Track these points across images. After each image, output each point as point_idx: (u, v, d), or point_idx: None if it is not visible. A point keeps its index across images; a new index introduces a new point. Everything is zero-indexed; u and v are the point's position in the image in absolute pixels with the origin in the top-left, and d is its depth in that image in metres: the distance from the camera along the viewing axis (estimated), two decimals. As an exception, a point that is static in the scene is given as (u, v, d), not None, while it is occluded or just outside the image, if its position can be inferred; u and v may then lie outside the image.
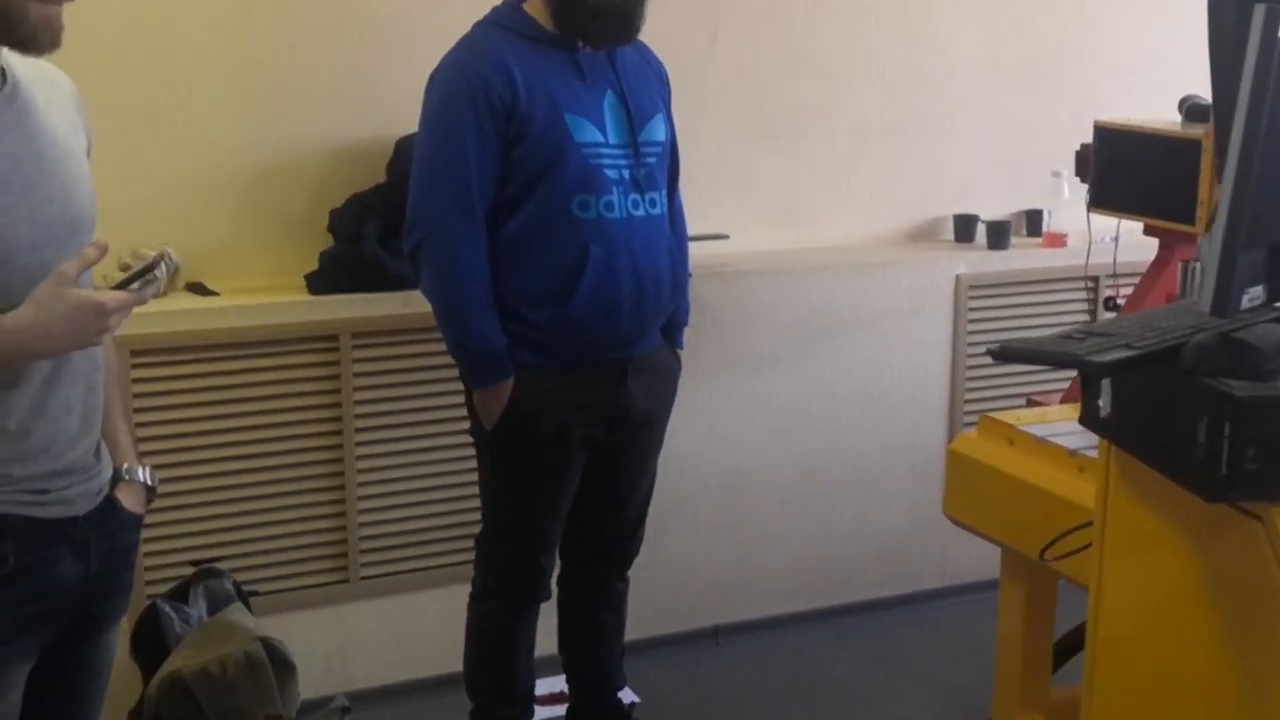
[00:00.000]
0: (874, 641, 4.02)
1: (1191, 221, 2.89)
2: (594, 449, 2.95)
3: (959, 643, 3.99)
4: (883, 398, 4.06)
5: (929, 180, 4.24)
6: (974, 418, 4.15)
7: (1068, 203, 4.19)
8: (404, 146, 3.52)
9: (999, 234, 4.13)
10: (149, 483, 1.97)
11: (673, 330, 3.03)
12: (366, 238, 3.47)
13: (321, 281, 3.44)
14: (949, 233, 4.27)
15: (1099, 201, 3.19)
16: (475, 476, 3.06)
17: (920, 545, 4.20)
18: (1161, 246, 3.14)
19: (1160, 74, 4.37)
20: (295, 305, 3.38)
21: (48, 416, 1.76)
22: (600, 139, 2.84)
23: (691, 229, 3.17)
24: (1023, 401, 4.19)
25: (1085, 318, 4.25)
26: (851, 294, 3.97)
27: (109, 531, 1.88)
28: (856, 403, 4.03)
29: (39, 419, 1.75)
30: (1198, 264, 2.65)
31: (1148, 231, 3.16)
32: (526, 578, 2.95)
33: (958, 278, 4.07)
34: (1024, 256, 4.14)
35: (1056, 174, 4.17)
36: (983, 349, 4.12)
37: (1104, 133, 3.16)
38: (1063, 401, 3.13)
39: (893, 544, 4.17)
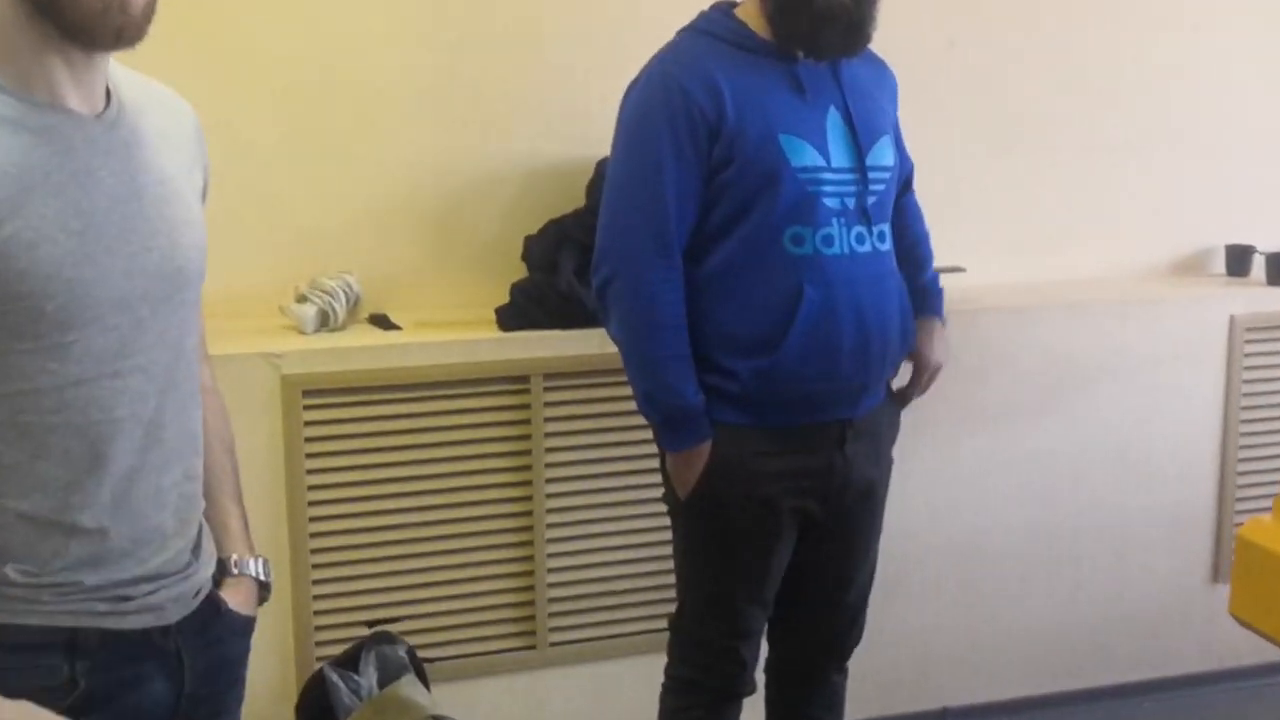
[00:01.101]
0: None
1: None
2: (806, 524, 2.51)
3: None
4: (1141, 456, 3.51)
5: (1197, 205, 3.68)
6: (1250, 480, 3.57)
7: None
8: (605, 168, 3.15)
9: (1280, 268, 3.53)
10: (262, 577, 1.62)
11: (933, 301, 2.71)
12: (563, 269, 3.12)
13: (513, 316, 3.11)
14: (1219, 265, 3.69)
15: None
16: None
17: (1182, 622, 3.64)
18: None
19: None
20: (483, 343, 3.06)
21: (133, 511, 1.42)
22: (821, 163, 2.42)
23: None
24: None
25: None
26: (1106, 336, 3.44)
27: (209, 641, 1.54)
28: (1110, 461, 3.49)
29: (121, 515, 1.40)
30: None
31: None
32: (726, 669, 2.53)
33: (1232, 318, 3.49)
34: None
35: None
36: (1261, 402, 3.52)
37: None
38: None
39: (1149, 620, 3.62)
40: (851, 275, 2.43)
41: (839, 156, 2.45)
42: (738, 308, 2.42)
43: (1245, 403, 3.54)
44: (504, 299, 3.14)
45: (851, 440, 2.51)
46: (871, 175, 2.48)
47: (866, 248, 2.46)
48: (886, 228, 2.52)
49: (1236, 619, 2.49)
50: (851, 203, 2.45)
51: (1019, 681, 3.56)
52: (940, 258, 3.00)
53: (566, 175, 3.23)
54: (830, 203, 2.43)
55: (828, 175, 2.44)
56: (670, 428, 2.45)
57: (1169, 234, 3.68)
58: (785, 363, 2.40)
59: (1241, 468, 3.57)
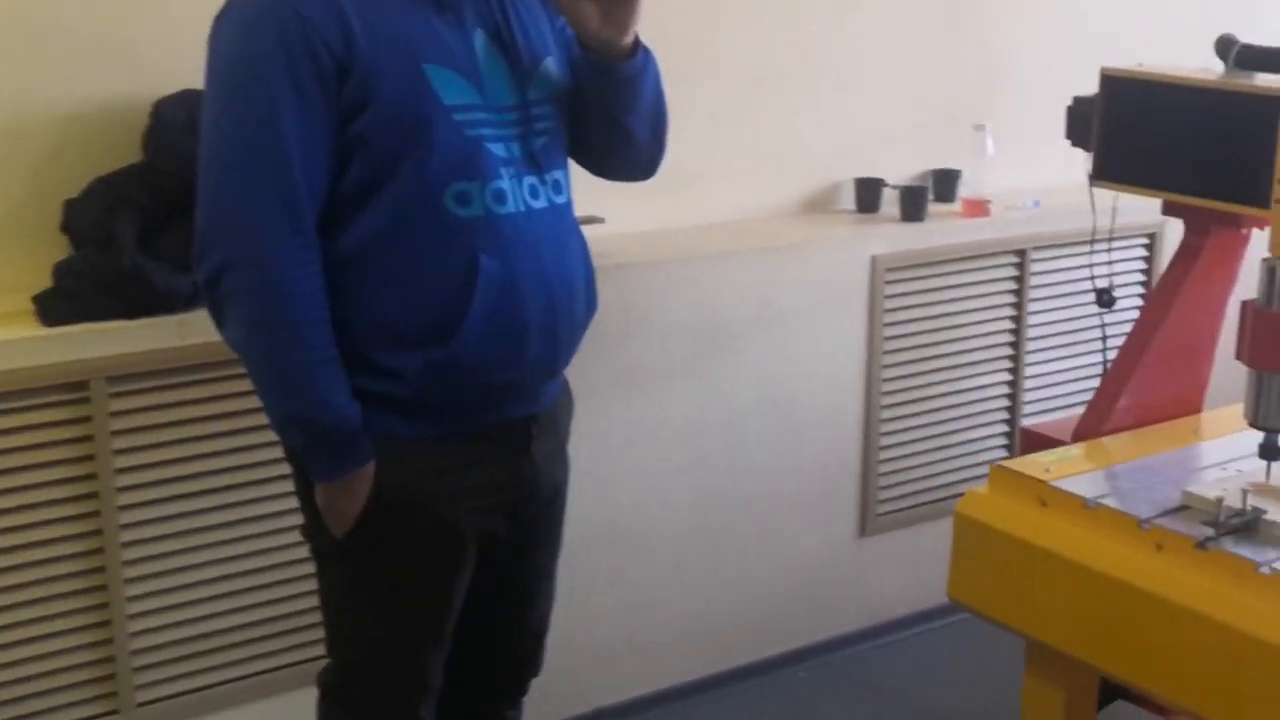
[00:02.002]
0: (788, 704, 3.33)
1: (1252, 200, 2.18)
2: (487, 544, 2.08)
3: (888, 696, 3.37)
4: (790, 411, 3.31)
5: (824, 139, 3.48)
6: (892, 427, 3.45)
7: (991, 162, 3.47)
8: (166, 112, 2.58)
9: (914, 202, 3.40)
10: None
11: None
12: (121, 240, 2.51)
13: (58, 305, 2.48)
14: (849, 200, 3.51)
15: (1107, 172, 2.46)
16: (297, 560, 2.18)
17: (834, 582, 3.49)
18: (1190, 231, 2.43)
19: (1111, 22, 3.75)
20: (20, 343, 2.42)
21: None
22: (477, 99, 1.96)
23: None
24: (953, 406, 3.50)
25: (1014, 299, 3.56)
26: (756, 284, 3.19)
27: None
28: (761, 419, 3.26)
29: None
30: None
31: (1169, 211, 2.45)
32: (400, 732, 2.07)
33: (873, 259, 3.32)
34: (944, 229, 3.43)
35: (980, 127, 3.45)
36: (901, 345, 3.40)
37: (1116, 84, 2.44)
38: (1079, 437, 2.40)
39: (803, 585, 3.44)
40: (531, 237, 2.00)
41: (497, 90, 2.00)
42: (396, 290, 1.93)
43: (888, 346, 3.40)
44: (43, 283, 2.48)
45: (538, 439, 2.10)
46: (536, 111, 2.05)
47: (542, 202, 2.03)
48: (562, 175, 2.10)
49: (956, 602, 2.29)
50: (517, 148, 2.02)
51: (675, 669, 3.29)
52: (576, 207, 2.61)
53: (115, 121, 2.59)
54: (496, 149, 1.98)
55: (487, 115, 1.98)
56: (320, 452, 1.93)
57: (798, 170, 3.47)
58: (464, 352, 1.93)
59: (885, 414, 3.44)
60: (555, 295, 2.01)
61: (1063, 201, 3.58)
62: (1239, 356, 2.06)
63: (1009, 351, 3.59)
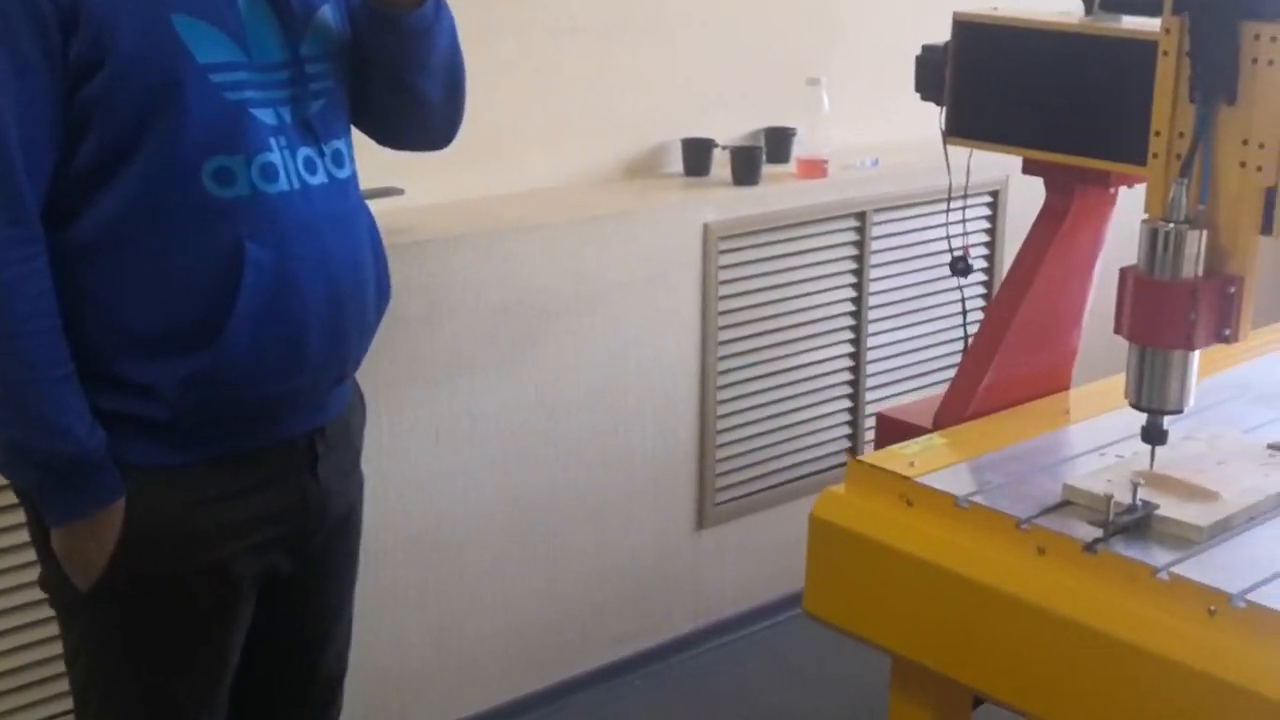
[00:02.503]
0: (623, 718, 3.09)
1: (1124, 156, 2.01)
2: (269, 583, 1.79)
3: (730, 702, 3.18)
4: (620, 396, 3.06)
5: (649, 95, 3.23)
6: (730, 409, 3.24)
7: (827, 119, 3.27)
8: None
9: (747, 164, 3.19)
10: None
11: None
12: None
13: None
14: (676, 163, 3.28)
15: (961, 128, 2.27)
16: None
17: (673, 579, 3.27)
18: (1054, 192, 2.25)
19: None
20: None
21: None
22: (238, 56, 1.66)
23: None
24: (793, 379, 3.31)
25: (854, 265, 3.38)
26: (576, 259, 2.93)
27: None
28: (586, 407, 3.01)
29: None
30: (1170, 227, 1.78)
31: (1030, 170, 2.26)
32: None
33: (705, 227, 3.10)
34: (780, 193, 3.22)
35: (814, 82, 3.25)
36: (736, 319, 3.19)
37: (969, 30, 2.24)
38: (942, 423, 2.21)
39: (637, 586, 3.22)
40: (310, 220, 1.70)
41: (263, 46, 1.71)
42: (144, 289, 1.62)
43: (723, 321, 3.18)
44: None
45: (325, 456, 1.81)
46: (310, 70, 1.75)
47: (320, 177, 1.74)
48: (344, 145, 1.81)
49: (814, 617, 2.08)
50: (289, 114, 1.72)
51: (497, 689, 3.02)
52: (371, 178, 2.32)
53: None
54: (263, 116, 1.68)
55: (251, 75, 1.68)
56: (56, 489, 1.61)
57: (619, 132, 3.21)
58: (231, 360, 1.63)
59: (722, 395, 3.23)
60: (340, 287, 1.73)
61: (903, 160, 3.41)
62: (1118, 330, 1.88)
63: (850, 322, 3.41)
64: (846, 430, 3.48)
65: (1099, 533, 1.80)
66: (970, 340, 2.34)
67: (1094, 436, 2.13)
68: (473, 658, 2.97)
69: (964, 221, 2.54)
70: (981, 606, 1.85)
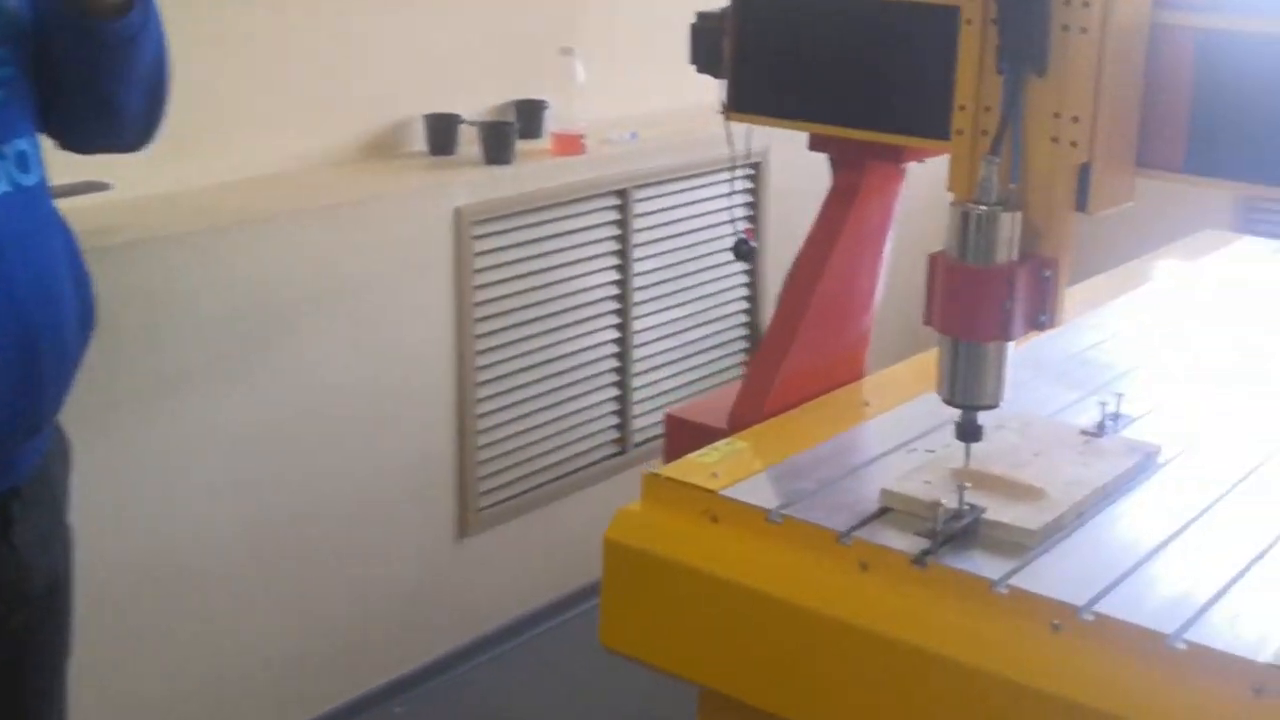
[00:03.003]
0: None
1: (920, 130, 1.87)
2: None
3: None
4: (370, 400, 2.81)
5: (385, 67, 2.96)
6: (491, 407, 3.01)
7: (582, 91, 3.07)
8: None
9: (499, 141, 2.96)
10: None
11: None
12: None
13: None
14: (419, 142, 3.03)
15: (744, 103, 2.09)
16: None
17: (434, 594, 3.04)
18: (844, 169, 2.10)
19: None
20: None
21: None
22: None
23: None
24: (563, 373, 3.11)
25: (617, 245, 3.19)
26: (312, 253, 2.66)
27: None
28: (333, 415, 2.75)
29: None
30: (982, 209, 1.64)
31: (817, 146, 2.10)
32: None
33: (457, 211, 2.86)
34: (535, 171, 3.00)
35: (567, 51, 3.04)
36: (494, 309, 2.97)
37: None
38: (739, 423, 2.04)
39: (397, 604, 2.97)
40: (-15, 238, 1.41)
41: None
42: None
43: (480, 312, 2.95)
44: None
45: (21, 521, 1.52)
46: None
47: (2, 185, 1.45)
48: (29, 146, 1.51)
49: (614, 651, 1.88)
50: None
51: (250, 728, 2.75)
52: (69, 171, 2.01)
53: None
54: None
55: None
56: None
57: (353, 108, 2.94)
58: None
59: (481, 392, 3.00)
60: (31, 320, 1.44)
61: (663, 133, 3.24)
62: (929, 322, 1.73)
63: (615, 306, 3.23)
64: (614, 421, 3.30)
65: (926, 543, 1.65)
66: (765, 332, 2.17)
67: (899, 430, 1.99)
68: (217, 700, 2.68)
69: (730, 194, 2.36)
70: (801, 631, 1.68)
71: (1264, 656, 1.43)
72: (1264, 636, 1.47)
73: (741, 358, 3.56)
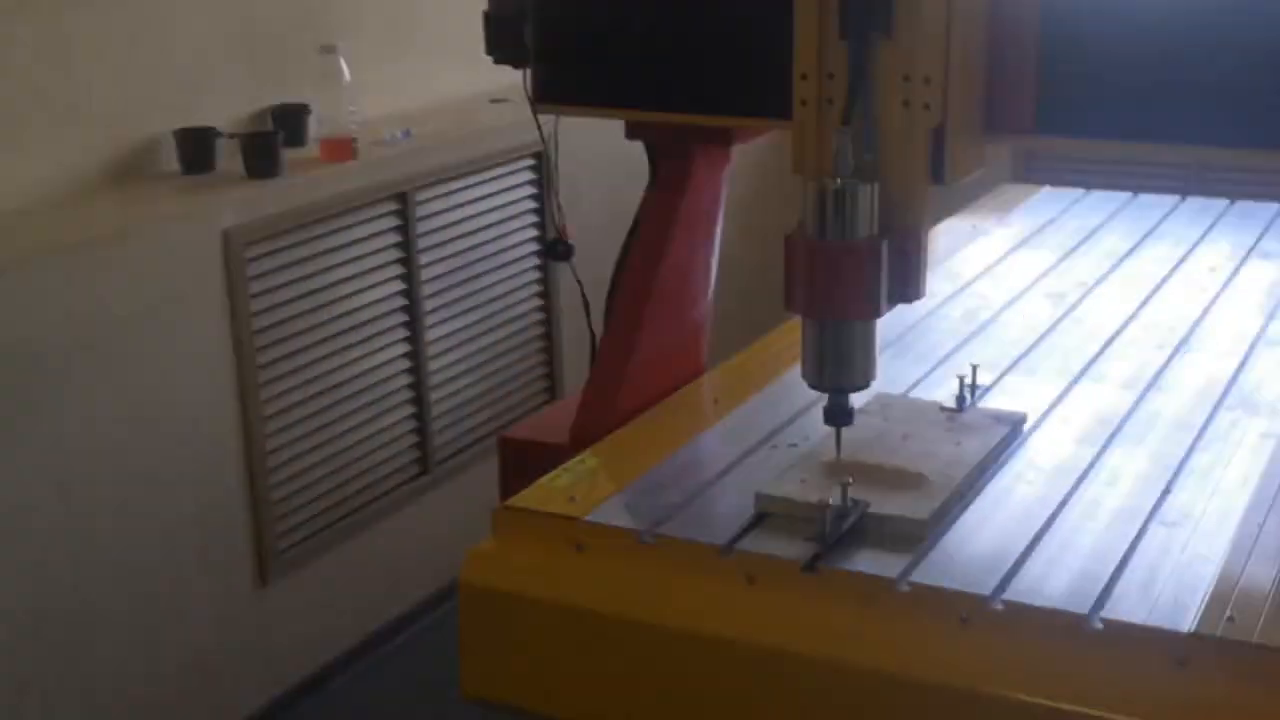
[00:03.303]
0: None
1: (752, 108, 1.77)
2: None
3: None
4: (146, 450, 2.58)
5: (122, 79, 2.72)
6: (282, 440, 2.80)
7: (349, 90, 2.88)
8: None
9: (262, 152, 2.76)
10: None
11: None
12: None
13: None
14: (171, 160, 2.80)
15: (552, 92, 1.95)
16: None
17: (233, 650, 2.83)
18: (669, 157, 1.99)
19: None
20: None
21: None
22: None
23: None
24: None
25: (401, 254, 3.02)
26: (65, 297, 2.42)
27: None
28: (106, 471, 2.51)
29: None
30: (838, 183, 1.55)
31: (636, 135, 1.98)
32: None
33: (225, 234, 2.65)
34: (306, 183, 2.82)
35: (329, 49, 2.85)
36: (276, 335, 2.77)
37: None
38: (583, 437, 1.92)
39: (190, 668, 2.74)
40: None
41: None
42: None
43: (262, 340, 2.74)
44: None
45: None
46: None
47: None
48: None
49: (476, 700, 1.74)
50: None
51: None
52: None
53: None
54: None
55: None
56: None
57: (90, 127, 2.68)
58: None
59: (271, 426, 2.79)
60: None
61: (438, 128, 3.09)
62: (790, 306, 1.64)
63: (404, 319, 3.05)
64: (414, 440, 3.13)
65: (814, 547, 1.56)
66: (601, 338, 2.05)
67: (756, 425, 1.91)
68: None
69: (551, 192, 2.21)
70: (689, 657, 1.58)
71: (1185, 626, 1.39)
72: (1179, 604, 1.43)
73: (542, 358, 3.43)
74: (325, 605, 2.97)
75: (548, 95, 1.95)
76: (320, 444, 2.91)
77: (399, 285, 3.02)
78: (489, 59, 1.97)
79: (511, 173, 3.24)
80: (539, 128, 1.99)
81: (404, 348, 3.06)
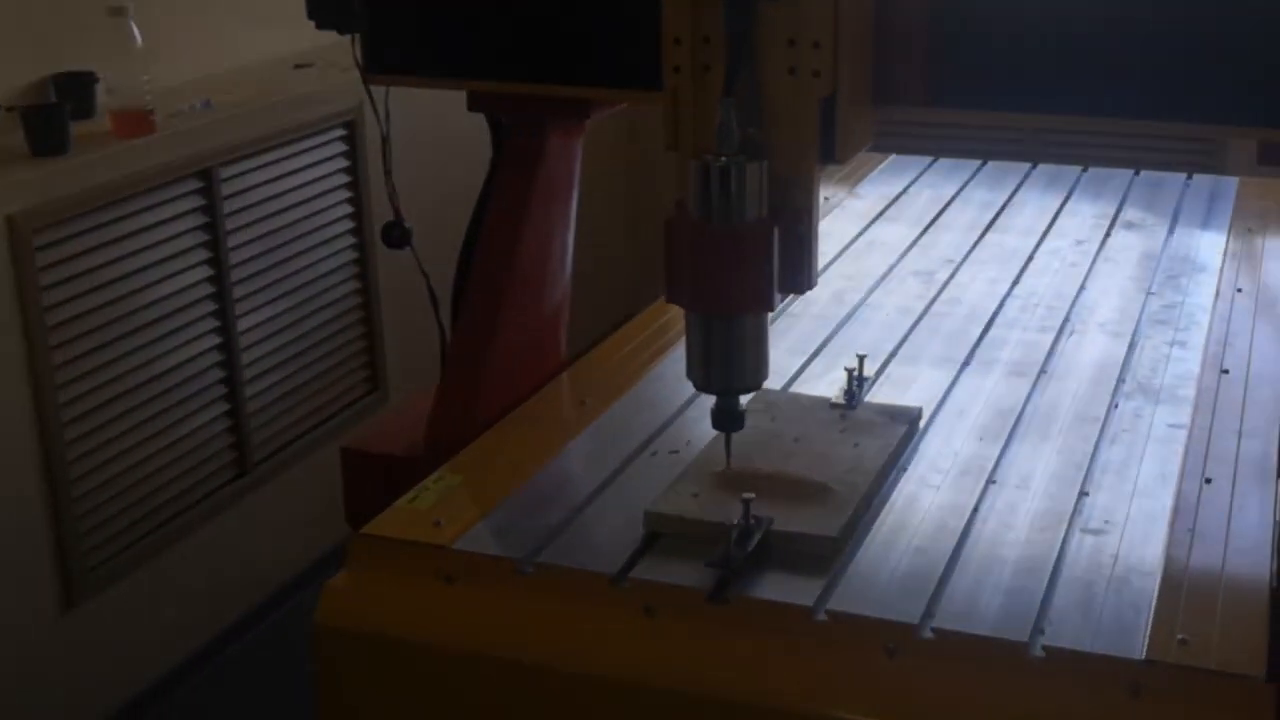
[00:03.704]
0: None
1: (619, 78, 1.60)
2: None
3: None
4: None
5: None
6: (87, 447, 2.53)
7: (141, 56, 2.60)
8: None
9: (49, 127, 2.48)
10: None
11: None
12: None
13: None
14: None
15: (387, 62, 1.74)
16: None
17: (33, 686, 2.56)
18: (516, 131, 1.80)
19: None
20: None
21: None
22: None
23: None
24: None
25: (207, 235, 2.76)
26: None
27: None
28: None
29: None
30: (723, 161, 1.38)
31: (480, 106, 1.78)
32: None
33: (9, 220, 2.36)
34: (100, 161, 2.54)
35: (118, 10, 2.56)
36: (72, 330, 2.49)
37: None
38: (441, 446, 1.72)
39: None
40: None
41: None
42: None
43: (57, 338, 2.46)
44: None
45: None
46: None
47: None
48: None
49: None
50: None
51: None
52: None
53: None
54: None
55: None
56: None
57: None
58: None
59: (71, 432, 2.51)
60: None
61: (242, 97, 2.83)
62: (674, 299, 1.47)
63: (213, 306, 2.79)
64: (230, 439, 2.88)
65: (719, 572, 1.41)
66: (453, 332, 1.85)
67: (632, 428, 1.75)
68: None
69: (386, 172, 1.99)
70: (582, 702, 1.41)
71: (1135, 651, 1.28)
72: (1123, 625, 1.32)
73: (364, 344, 3.20)
74: (140, 627, 2.71)
75: (381, 64, 1.75)
76: (128, 448, 2.64)
77: (206, 271, 2.76)
78: (292, 19, 1.75)
79: (324, 144, 3.00)
80: (372, 103, 1.77)
81: (214, 339, 2.80)
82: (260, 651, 2.90)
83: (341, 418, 3.14)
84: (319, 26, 1.78)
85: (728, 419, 1.52)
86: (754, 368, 1.49)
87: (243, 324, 2.85)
